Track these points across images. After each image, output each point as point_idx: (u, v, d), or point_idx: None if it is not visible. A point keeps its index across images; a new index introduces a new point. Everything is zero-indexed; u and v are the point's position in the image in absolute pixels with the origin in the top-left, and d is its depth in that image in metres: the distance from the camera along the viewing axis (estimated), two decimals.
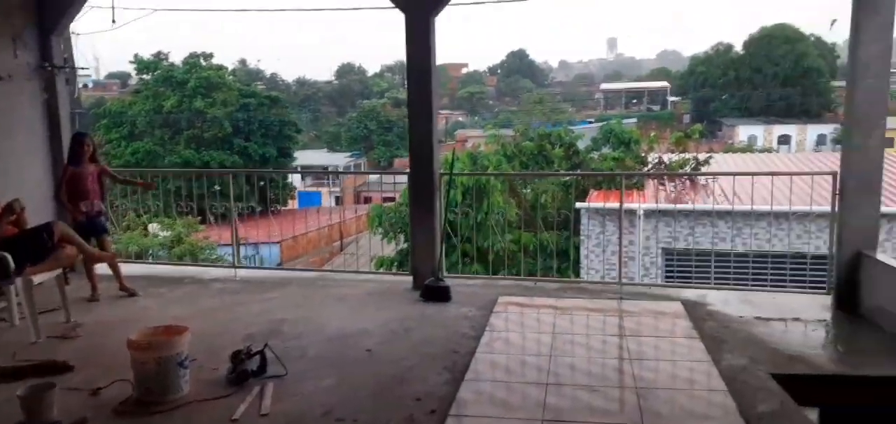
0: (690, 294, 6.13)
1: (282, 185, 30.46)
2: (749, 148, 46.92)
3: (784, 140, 55.24)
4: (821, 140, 54.23)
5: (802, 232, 13.20)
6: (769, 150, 45.25)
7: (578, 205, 14.35)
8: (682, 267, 13.79)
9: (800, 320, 5.47)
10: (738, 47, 65.81)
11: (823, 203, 13.29)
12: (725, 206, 12.90)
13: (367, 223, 19.31)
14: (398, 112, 68.81)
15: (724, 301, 5.93)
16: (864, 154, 5.42)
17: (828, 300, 5.78)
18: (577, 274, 14.48)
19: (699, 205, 13.37)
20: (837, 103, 63.88)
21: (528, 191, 16.64)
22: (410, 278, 6.56)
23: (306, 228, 23.54)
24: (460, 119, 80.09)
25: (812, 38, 63.64)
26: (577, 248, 14.48)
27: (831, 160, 18.84)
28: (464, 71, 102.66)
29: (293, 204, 32.19)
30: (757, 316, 5.53)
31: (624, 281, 6.34)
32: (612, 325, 5.39)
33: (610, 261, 14.27)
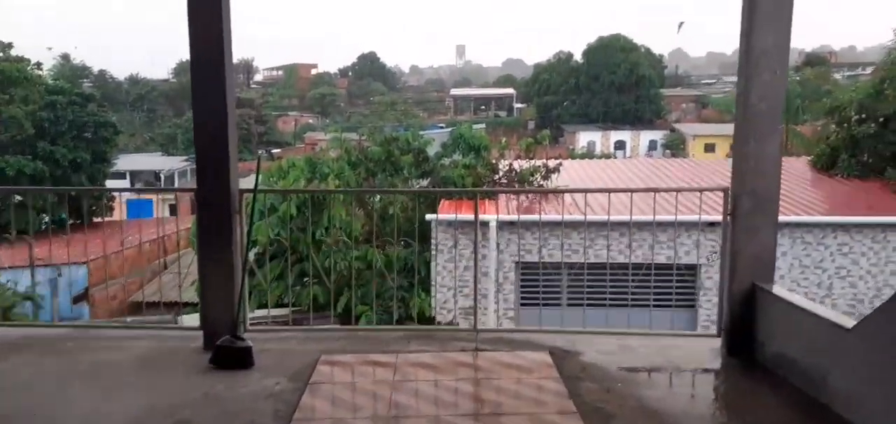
0: (559, 340, 4.96)
1: (99, 194, 26.73)
2: (589, 154, 48.73)
3: (620, 145, 58.17)
4: (652, 145, 57.69)
5: (661, 243, 12.88)
6: (607, 156, 47.21)
7: (429, 216, 13.15)
8: (536, 280, 13.01)
9: (685, 371, 4.49)
10: (578, 56, 68.62)
11: (683, 211, 13.37)
12: (601, 217, 12.31)
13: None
14: (241, 112, 64.94)
15: (598, 349, 4.82)
16: (760, 164, 4.51)
17: (718, 343, 4.81)
18: (428, 293, 13.28)
19: (571, 216, 12.66)
20: (666, 110, 68.77)
21: (377, 200, 15.22)
22: (202, 334, 4.84)
23: (122, 244, 20.47)
24: (310, 122, 77.29)
25: (643, 49, 67.73)
26: (428, 264, 13.26)
27: (665, 165, 19.25)
28: (314, 72, 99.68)
29: (120, 213, 28.43)
30: (637, 367, 4.49)
31: (480, 327, 5.01)
32: (465, 396, 4.06)
33: (462, 278, 13.19)
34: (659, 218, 12.55)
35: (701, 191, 5.66)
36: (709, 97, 76.53)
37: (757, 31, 4.41)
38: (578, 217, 12.55)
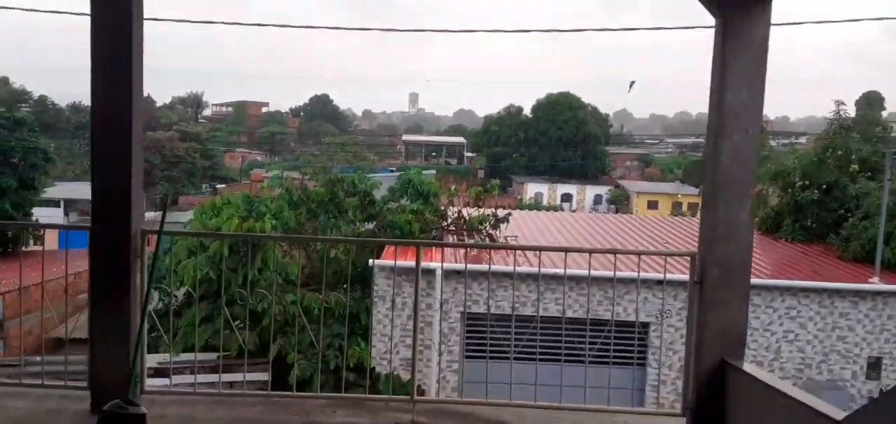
0: (506, 414, 4.40)
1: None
2: (537, 204, 48.95)
3: (566, 198, 58.81)
4: (598, 199, 58.54)
5: (604, 297, 12.53)
6: (555, 208, 47.49)
7: (371, 261, 12.49)
8: (483, 333, 12.46)
9: None
10: (528, 110, 69.62)
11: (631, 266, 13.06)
12: (553, 270, 11.87)
13: None
14: (187, 146, 63.20)
15: None
16: (731, 231, 4.11)
17: None
18: (367, 342, 12.56)
19: (522, 268, 12.22)
20: (611, 167, 70.12)
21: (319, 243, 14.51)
22: (90, 394, 4.10)
23: (43, 276, 18.99)
24: (259, 159, 75.85)
25: (590, 107, 69.26)
26: (369, 311, 12.57)
27: (606, 221, 19.17)
28: (264, 110, 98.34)
29: (54, 243, 26.69)
30: None
31: (418, 398, 4.42)
32: None
33: (406, 328, 12.52)
34: (620, 275, 12.24)
35: (667, 255, 5.21)
36: (652, 156, 78.59)
37: (730, 89, 4.05)
38: (530, 269, 12.13)
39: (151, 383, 5.31)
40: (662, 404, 12.44)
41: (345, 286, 14.35)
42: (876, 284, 12.23)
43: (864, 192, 14.51)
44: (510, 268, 12.37)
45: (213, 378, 5.18)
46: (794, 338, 12.51)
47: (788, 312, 12.65)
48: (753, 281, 12.44)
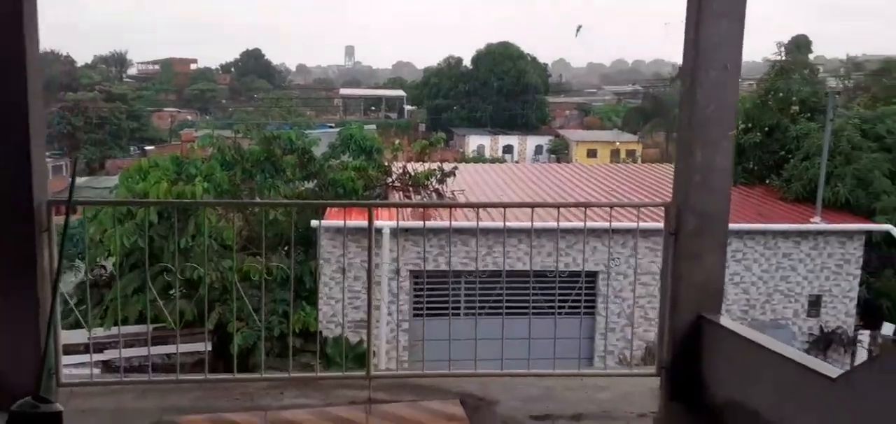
0: (470, 385, 4.07)
1: None
2: (480, 157, 48.77)
3: (508, 149, 58.83)
4: (539, 150, 58.80)
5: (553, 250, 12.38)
6: (497, 160, 47.38)
7: (316, 222, 11.96)
8: (433, 290, 12.18)
9: (618, 420, 3.74)
10: (468, 61, 68.90)
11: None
12: (521, 224, 11.61)
13: None
14: (111, 107, 60.22)
15: (516, 396, 3.97)
16: (709, 178, 3.81)
17: (656, 384, 4.08)
18: (314, 305, 12.11)
19: (459, 223, 11.88)
20: (551, 117, 70.40)
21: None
22: None
23: None
24: (189, 118, 72.95)
25: (529, 57, 69.03)
26: (314, 275, 12.08)
27: (551, 171, 19.04)
28: (193, 67, 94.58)
29: None
30: (562, 415, 3.70)
31: (374, 373, 4.05)
32: None
33: (353, 289, 12.10)
34: (567, 225, 12.12)
35: (640, 206, 4.91)
36: (591, 105, 79.31)
37: (707, 20, 3.71)
38: (489, 224, 11.86)
39: (72, 372, 4.76)
40: (624, 357, 12.48)
41: (286, 248, 13.94)
42: (817, 223, 12.45)
43: (804, 133, 14.72)
44: (461, 224, 12.07)
45: (147, 351, 4.68)
46: (739, 280, 12.67)
47: (734, 255, 12.77)
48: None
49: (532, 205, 4.34)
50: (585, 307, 12.57)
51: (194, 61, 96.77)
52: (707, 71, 3.74)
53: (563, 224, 12.29)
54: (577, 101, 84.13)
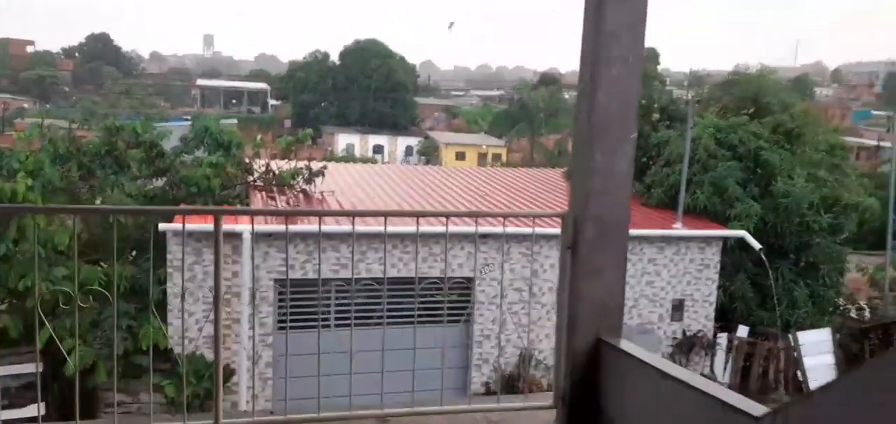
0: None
1: None
2: (350, 156, 47.75)
3: (378, 149, 58.27)
4: (409, 151, 58.69)
5: (429, 255, 11.93)
6: (368, 160, 46.62)
7: (165, 226, 10.72)
8: (299, 300, 11.30)
9: None
10: (335, 57, 67.53)
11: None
12: (399, 228, 10.95)
13: None
14: None
15: None
16: (609, 183, 3.43)
17: (551, 418, 3.65)
18: (164, 319, 10.89)
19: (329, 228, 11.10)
20: (420, 118, 70.53)
21: (100, 202, 12.29)
22: None
23: None
24: (25, 106, 65.94)
25: (398, 57, 68.82)
26: (164, 284, 10.84)
27: (424, 174, 18.68)
28: (30, 49, 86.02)
29: None
30: None
31: (227, 421, 3.33)
32: None
33: (208, 300, 10.98)
34: (442, 230, 11.69)
35: (536, 216, 4.42)
36: (459, 108, 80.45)
37: (609, 7, 3.32)
38: (364, 229, 11.17)
39: None
40: (498, 365, 12.21)
41: (133, 254, 12.50)
42: (679, 229, 12.87)
43: (664, 140, 15.27)
44: (332, 228, 11.31)
45: None
46: None
47: None
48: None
49: (418, 214, 3.84)
50: (460, 314, 12.24)
51: (31, 43, 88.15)
52: (608, 65, 3.36)
53: (440, 228, 11.90)
54: (445, 103, 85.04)
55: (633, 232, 12.81)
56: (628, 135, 3.42)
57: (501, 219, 4.88)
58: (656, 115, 16.00)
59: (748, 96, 16.29)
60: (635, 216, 14.15)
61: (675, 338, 13.23)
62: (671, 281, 13.01)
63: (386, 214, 4.86)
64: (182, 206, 11.43)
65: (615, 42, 3.33)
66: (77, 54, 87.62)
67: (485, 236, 12.20)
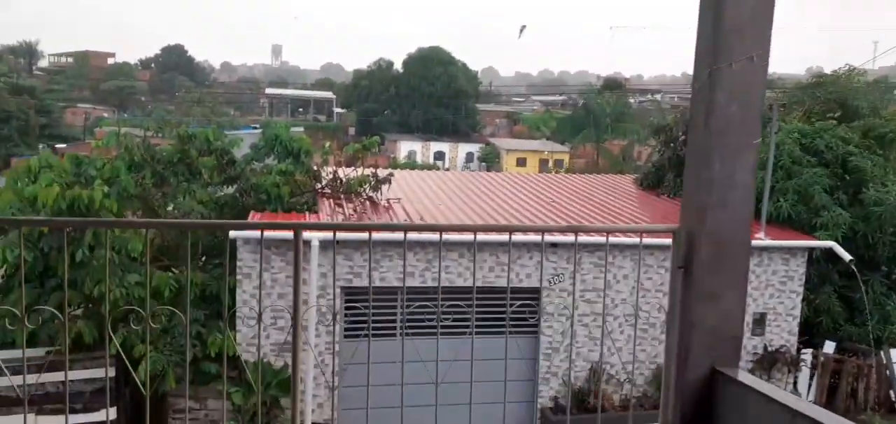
0: None
1: None
2: (412, 163, 47.86)
3: (439, 156, 58.30)
4: (469, 158, 58.53)
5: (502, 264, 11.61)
6: (429, 167, 46.63)
7: (236, 233, 10.75)
8: (367, 308, 11.16)
9: None
10: (398, 65, 68.02)
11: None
12: (462, 236, 10.80)
13: None
14: (20, 100, 56.22)
15: None
16: (728, 195, 3.05)
17: None
18: (233, 328, 10.91)
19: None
20: (481, 125, 70.28)
21: (172, 209, 12.50)
22: None
23: None
24: (105, 115, 69.03)
25: (460, 64, 68.76)
26: (233, 292, 10.86)
27: (489, 180, 18.33)
28: (110, 61, 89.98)
29: None
30: None
31: None
32: None
33: (276, 307, 10.96)
34: (522, 239, 11.46)
35: (644, 230, 4.01)
36: (520, 114, 79.85)
37: (729, 1, 2.94)
38: (423, 237, 10.98)
39: None
40: (566, 380, 11.77)
41: (203, 260, 12.63)
42: (762, 239, 12.15)
43: None
44: (399, 237, 11.13)
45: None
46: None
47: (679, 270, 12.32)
48: (651, 240, 12.01)
49: (511, 228, 3.54)
50: (530, 326, 11.87)
51: (112, 55, 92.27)
52: (729, 62, 2.98)
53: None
54: (506, 110, 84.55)
55: None
56: (751, 140, 3.03)
57: (604, 233, 4.51)
58: None
59: (834, 99, 15.33)
60: None
61: (755, 353, 12.48)
62: (752, 293, 12.27)
63: (476, 228, 4.57)
64: (257, 218, 11.45)
65: (737, 37, 2.95)
66: (153, 65, 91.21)
67: (554, 245, 11.80)
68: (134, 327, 9.97)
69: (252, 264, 10.83)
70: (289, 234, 10.77)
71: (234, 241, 10.67)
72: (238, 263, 10.84)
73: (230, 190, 13.11)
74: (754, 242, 12.20)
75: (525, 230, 5.16)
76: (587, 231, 4.74)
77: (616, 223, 13.30)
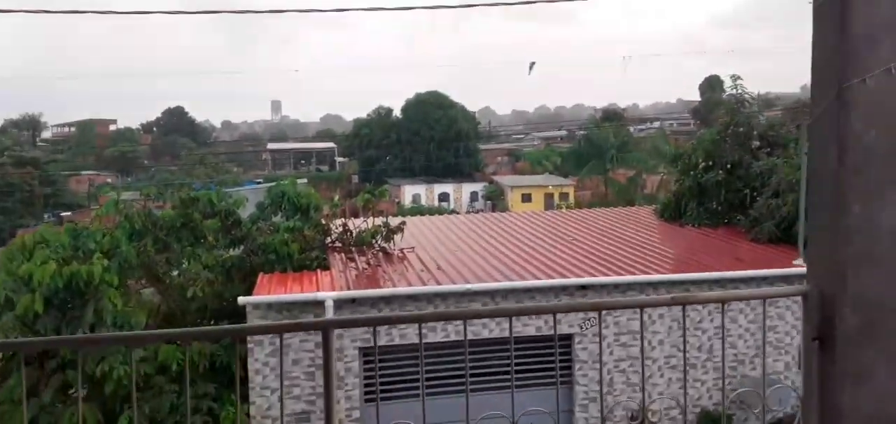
0: None
1: None
2: (419, 207, 47.27)
3: (444, 197, 57.92)
4: (474, 197, 58.10)
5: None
6: (436, 211, 46.02)
7: (244, 299, 10.11)
8: (386, 369, 10.45)
9: None
10: (397, 111, 68.15)
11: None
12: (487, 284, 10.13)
13: None
14: (24, 172, 56.26)
15: None
16: (874, 246, 2.40)
17: None
18: (245, 399, 10.20)
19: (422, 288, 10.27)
20: (483, 164, 70.00)
21: (176, 274, 11.90)
22: None
23: None
24: (109, 181, 68.98)
25: (459, 106, 68.96)
26: (245, 363, 10.17)
27: (501, 221, 17.59)
28: (112, 127, 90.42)
29: None
30: None
31: None
32: None
33: (290, 376, 10.25)
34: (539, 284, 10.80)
35: (767, 296, 3.26)
36: (521, 151, 79.71)
37: (858, 4, 2.34)
38: (440, 287, 10.32)
39: None
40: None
41: (212, 323, 11.96)
42: (802, 266, 11.44)
43: (768, 169, 13.89)
44: (418, 290, 10.48)
45: None
46: (726, 334, 11.46)
47: (718, 306, 11.62)
48: (683, 276, 11.32)
49: (601, 307, 2.86)
50: (562, 375, 11.14)
51: (114, 122, 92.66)
52: (863, 78, 2.36)
53: (534, 282, 10.93)
54: (508, 147, 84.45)
55: (747, 272, 11.48)
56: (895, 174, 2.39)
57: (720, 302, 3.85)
58: (756, 143, 14.64)
59: None
60: (745, 253, 12.76)
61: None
62: (796, 324, 11.50)
63: (555, 309, 3.90)
64: (266, 282, 10.78)
65: (872, 48, 2.33)
66: (155, 129, 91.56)
67: (583, 288, 11.12)
68: (141, 407, 9.31)
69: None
70: (305, 294, 10.15)
71: (243, 308, 10.01)
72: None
73: (236, 251, 12.51)
74: (794, 270, 11.52)
75: (614, 307, 4.51)
76: (696, 301, 3.81)
77: (645, 258, 12.60)
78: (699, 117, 74.01)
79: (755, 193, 14.23)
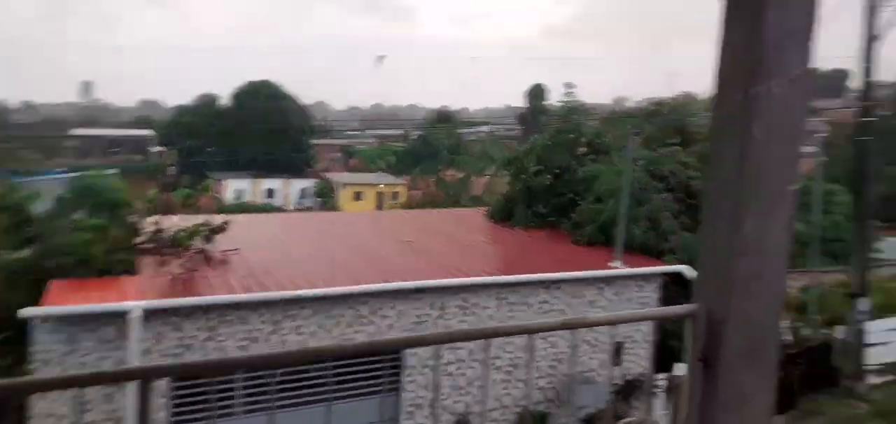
0: None
1: None
2: (243, 204, 44.79)
3: (270, 193, 55.67)
4: (303, 193, 56.43)
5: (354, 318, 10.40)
6: (261, 209, 43.84)
7: (29, 311, 8.60)
8: (202, 387, 9.41)
9: None
10: (225, 99, 64.48)
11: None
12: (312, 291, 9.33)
13: None
14: None
15: None
16: (763, 263, 2.17)
17: None
18: None
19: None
20: (316, 160, 68.27)
21: None
22: None
23: None
24: None
25: (291, 97, 66.69)
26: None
27: (334, 221, 17.08)
28: None
29: None
30: None
31: None
32: None
33: (84, 399, 8.88)
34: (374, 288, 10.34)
35: (658, 318, 2.93)
36: (354, 148, 78.85)
37: (773, 4, 2.11)
38: (263, 295, 9.49)
39: None
40: None
41: None
42: (620, 268, 12.04)
43: (592, 175, 14.55)
44: (239, 298, 9.56)
45: None
46: (547, 334, 11.76)
47: (541, 306, 11.90)
48: (510, 277, 11.43)
49: (490, 335, 2.54)
50: (389, 383, 10.76)
51: None
52: (768, 86, 2.14)
53: (367, 287, 10.45)
54: (341, 143, 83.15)
55: (572, 274, 11.87)
56: (788, 186, 2.21)
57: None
58: (583, 149, 15.30)
59: (672, 125, 15.94)
60: (567, 255, 13.21)
61: (614, 384, 12.30)
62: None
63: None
64: (56, 289, 9.22)
65: (778, 55, 2.11)
66: None
67: (419, 290, 10.85)
68: None
69: (54, 346, 8.71)
70: (105, 306, 8.87)
71: (28, 321, 8.52)
72: (35, 347, 8.68)
73: (25, 253, 10.74)
74: (612, 272, 12.11)
75: (503, 334, 4.28)
76: (586, 325, 3.45)
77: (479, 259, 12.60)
78: (524, 123, 77.82)
79: (578, 198, 14.83)
